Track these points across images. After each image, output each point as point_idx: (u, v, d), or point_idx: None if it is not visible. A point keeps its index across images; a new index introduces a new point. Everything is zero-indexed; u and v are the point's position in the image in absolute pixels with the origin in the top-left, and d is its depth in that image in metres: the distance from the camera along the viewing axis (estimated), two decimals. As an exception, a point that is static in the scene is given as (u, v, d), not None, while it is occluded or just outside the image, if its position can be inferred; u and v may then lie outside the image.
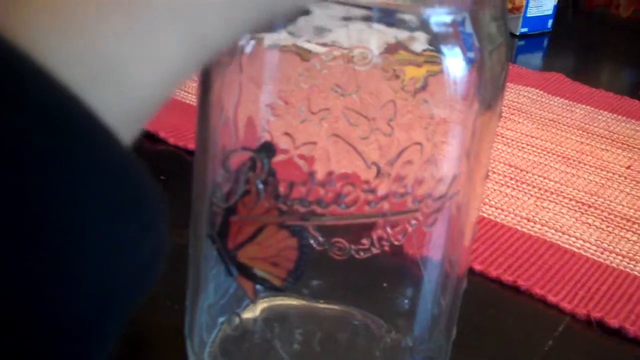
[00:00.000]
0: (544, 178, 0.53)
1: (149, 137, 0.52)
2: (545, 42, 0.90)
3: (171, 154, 0.50)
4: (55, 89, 0.15)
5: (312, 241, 0.28)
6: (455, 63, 0.26)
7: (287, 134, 0.27)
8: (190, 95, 0.59)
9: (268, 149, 0.27)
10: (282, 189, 0.26)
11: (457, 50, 0.26)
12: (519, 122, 0.62)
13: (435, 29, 0.25)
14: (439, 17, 0.25)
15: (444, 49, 0.26)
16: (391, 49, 0.26)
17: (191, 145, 0.50)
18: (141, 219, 0.16)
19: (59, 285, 0.15)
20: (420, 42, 0.26)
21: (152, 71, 0.16)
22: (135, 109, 0.16)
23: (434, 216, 0.28)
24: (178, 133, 0.52)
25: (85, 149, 0.15)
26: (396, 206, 0.27)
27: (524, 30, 0.89)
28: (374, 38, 0.25)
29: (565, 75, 0.75)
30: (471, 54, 0.26)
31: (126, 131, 0.16)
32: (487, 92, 0.28)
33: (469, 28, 0.26)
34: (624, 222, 0.49)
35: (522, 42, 0.88)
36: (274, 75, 0.27)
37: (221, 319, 0.30)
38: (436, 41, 0.25)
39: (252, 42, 0.26)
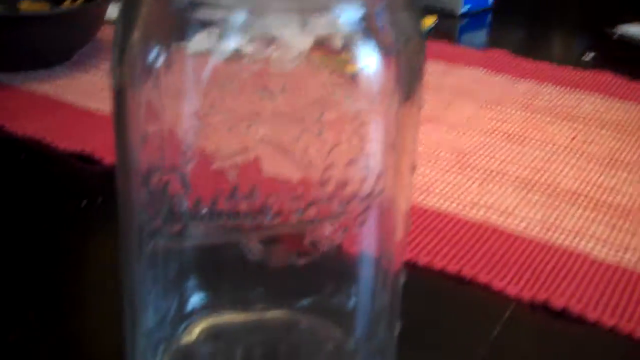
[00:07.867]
0: (490, 159, 0.54)
1: (83, 159, 0.51)
2: (488, 19, 0.90)
3: (107, 174, 0.49)
4: None
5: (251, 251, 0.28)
6: (371, 57, 0.26)
7: (213, 144, 0.26)
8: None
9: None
10: (205, 204, 0.25)
11: (373, 44, 0.25)
12: (463, 105, 0.62)
13: (347, 25, 0.25)
14: (350, 13, 0.25)
15: (359, 44, 0.25)
16: (314, 46, 0.25)
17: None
18: None
19: None
20: (337, 39, 0.26)
21: None
22: None
23: (362, 216, 0.27)
24: (112, 152, 0.51)
25: None
26: (323, 211, 0.27)
27: (466, 8, 0.89)
28: (292, 38, 0.25)
29: (510, 50, 0.75)
30: (386, 46, 0.26)
31: None
32: (405, 83, 0.28)
33: (381, 20, 0.25)
34: (569, 196, 0.49)
35: (465, 21, 0.88)
36: (194, 85, 0.26)
37: (161, 346, 0.29)
38: (350, 37, 0.25)
39: (164, 55, 0.25)
